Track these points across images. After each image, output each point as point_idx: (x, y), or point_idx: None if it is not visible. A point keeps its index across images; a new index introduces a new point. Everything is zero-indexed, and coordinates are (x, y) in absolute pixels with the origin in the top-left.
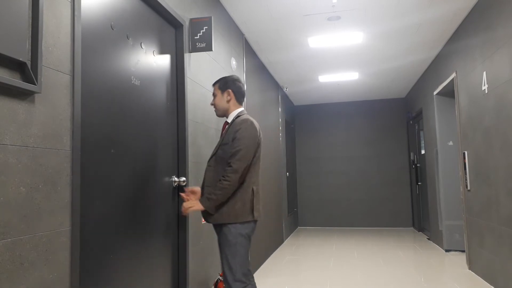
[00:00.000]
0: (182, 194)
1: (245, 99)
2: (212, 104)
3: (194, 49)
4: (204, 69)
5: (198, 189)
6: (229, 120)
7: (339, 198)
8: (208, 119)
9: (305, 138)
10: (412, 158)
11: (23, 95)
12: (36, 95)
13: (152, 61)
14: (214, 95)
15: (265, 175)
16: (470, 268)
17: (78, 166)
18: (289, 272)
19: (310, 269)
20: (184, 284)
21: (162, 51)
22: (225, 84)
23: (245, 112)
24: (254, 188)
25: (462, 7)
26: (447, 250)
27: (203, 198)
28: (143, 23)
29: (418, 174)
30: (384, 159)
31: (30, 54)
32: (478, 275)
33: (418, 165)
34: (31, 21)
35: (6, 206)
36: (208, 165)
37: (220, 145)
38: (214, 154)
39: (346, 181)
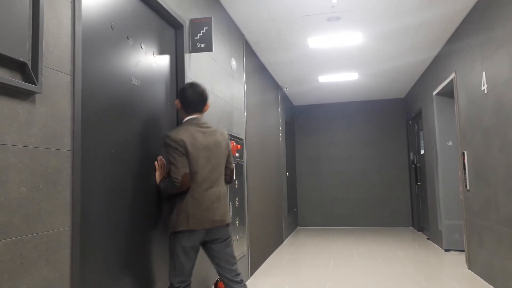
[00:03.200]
0: (157, 162)
1: (194, 106)
2: None
3: (194, 50)
4: (204, 69)
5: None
6: None
7: (339, 198)
8: (209, 119)
9: (305, 138)
10: (411, 158)
11: (23, 95)
12: (36, 95)
13: (152, 61)
14: None
15: (265, 175)
16: (469, 268)
17: (78, 166)
18: (289, 271)
19: (310, 269)
20: None
21: (162, 52)
22: (178, 94)
23: (192, 121)
24: (190, 198)
25: (462, 7)
26: (446, 250)
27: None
28: (143, 24)
29: (418, 174)
30: (384, 159)
31: (30, 54)
32: (478, 275)
33: (417, 165)
34: (31, 21)
35: (6, 206)
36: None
37: None
38: None
39: (346, 181)
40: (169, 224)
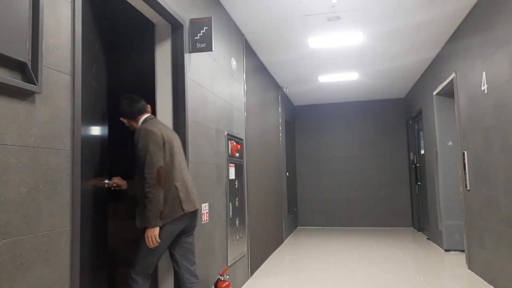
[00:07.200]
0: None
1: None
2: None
3: (194, 50)
4: (204, 69)
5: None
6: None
7: (338, 198)
8: (209, 119)
9: (305, 138)
10: (411, 158)
11: (23, 95)
12: (36, 95)
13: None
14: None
15: (265, 175)
16: (469, 268)
17: (78, 166)
18: (289, 271)
19: (310, 269)
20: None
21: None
22: (131, 115)
23: (150, 117)
24: (177, 184)
25: (462, 7)
26: (446, 250)
27: (144, 220)
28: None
29: (418, 174)
30: (383, 159)
31: (30, 54)
32: (478, 275)
33: (417, 165)
34: (31, 21)
35: (6, 206)
36: (135, 179)
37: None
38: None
39: (346, 181)
40: (155, 218)
